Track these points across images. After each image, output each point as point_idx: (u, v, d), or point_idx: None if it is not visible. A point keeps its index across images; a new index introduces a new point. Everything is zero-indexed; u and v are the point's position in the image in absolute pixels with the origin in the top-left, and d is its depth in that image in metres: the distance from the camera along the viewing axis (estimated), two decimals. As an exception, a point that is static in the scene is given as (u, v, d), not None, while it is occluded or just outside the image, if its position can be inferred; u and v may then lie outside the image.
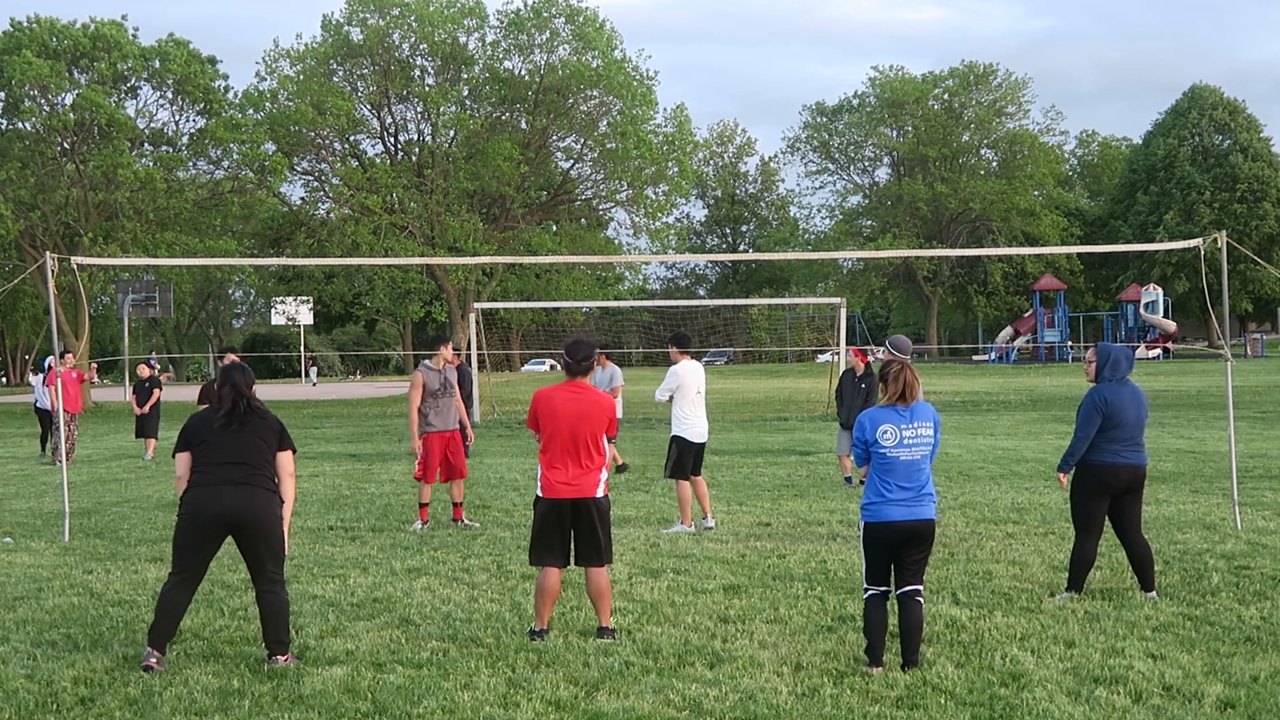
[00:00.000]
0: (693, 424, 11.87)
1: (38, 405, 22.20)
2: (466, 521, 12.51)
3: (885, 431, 6.83)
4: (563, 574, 7.72)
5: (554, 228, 58.18)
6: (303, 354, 69.14)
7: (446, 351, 12.54)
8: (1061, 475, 8.76)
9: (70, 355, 22.03)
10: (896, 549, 6.85)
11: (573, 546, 7.59)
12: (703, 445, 12.01)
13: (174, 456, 7.19)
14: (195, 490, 7.00)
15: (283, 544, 7.13)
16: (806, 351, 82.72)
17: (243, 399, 7.11)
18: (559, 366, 8.06)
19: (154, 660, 6.91)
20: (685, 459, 11.88)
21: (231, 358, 11.29)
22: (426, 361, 12.55)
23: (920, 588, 6.88)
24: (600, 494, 7.58)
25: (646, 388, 46.00)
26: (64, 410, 19.80)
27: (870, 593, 6.88)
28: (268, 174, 48.30)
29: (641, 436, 24.32)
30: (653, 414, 31.15)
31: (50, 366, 20.05)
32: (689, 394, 11.87)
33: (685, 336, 12.24)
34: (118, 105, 44.47)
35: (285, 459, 7.20)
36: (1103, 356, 8.65)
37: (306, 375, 67.51)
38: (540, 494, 7.57)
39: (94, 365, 21.97)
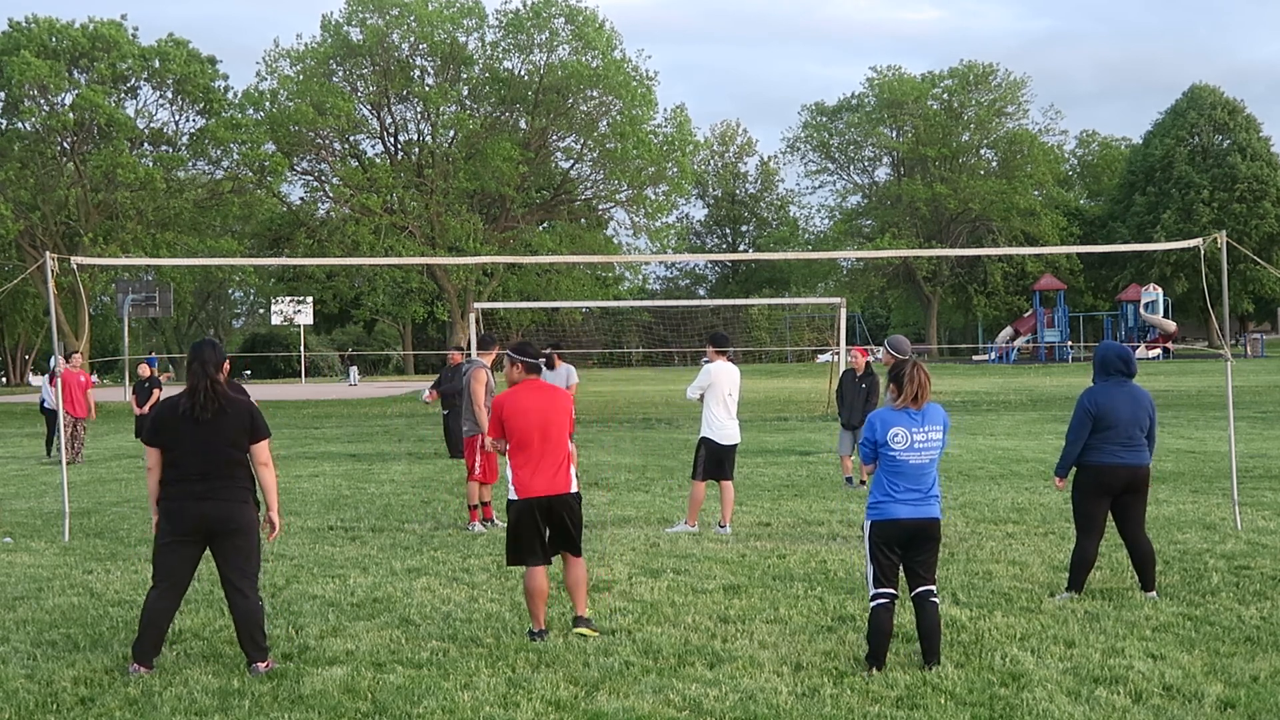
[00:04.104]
0: (721, 425, 11.71)
1: (44, 405, 22.25)
2: (498, 521, 12.48)
3: (896, 434, 6.79)
4: (558, 573, 7.73)
5: (554, 227, 58.22)
6: (302, 354, 69.08)
7: (494, 353, 12.54)
8: (1058, 480, 8.76)
9: (77, 355, 22.04)
10: (904, 548, 6.83)
11: (548, 542, 7.59)
12: (733, 448, 11.86)
13: (144, 444, 7.11)
14: (167, 501, 6.89)
15: (256, 550, 6.97)
16: (806, 351, 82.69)
17: (207, 379, 6.86)
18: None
19: (142, 674, 6.83)
20: (712, 461, 11.73)
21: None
22: (484, 361, 12.51)
23: (934, 588, 6.86)
24: (574, 489, 7.61)
25: (646, 388, 46.03)
26: (69, 413, 19.93)
27: (878, 601, 6.78)
28: (268, 174, 48.35)
29: (641, 436, 24.31)
30: (652, 414, 31.14)
31: (54, 369, 20.05)
32: (720, 395, 11.68)
33: (723, 336, 12.07)
34: (117, 105, 44.50)
35: (260, 449, 6.96)
36: (1095, 357, 8.69)
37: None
38: (515, 496, 7.54)
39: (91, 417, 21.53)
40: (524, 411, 7.57)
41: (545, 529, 7.53)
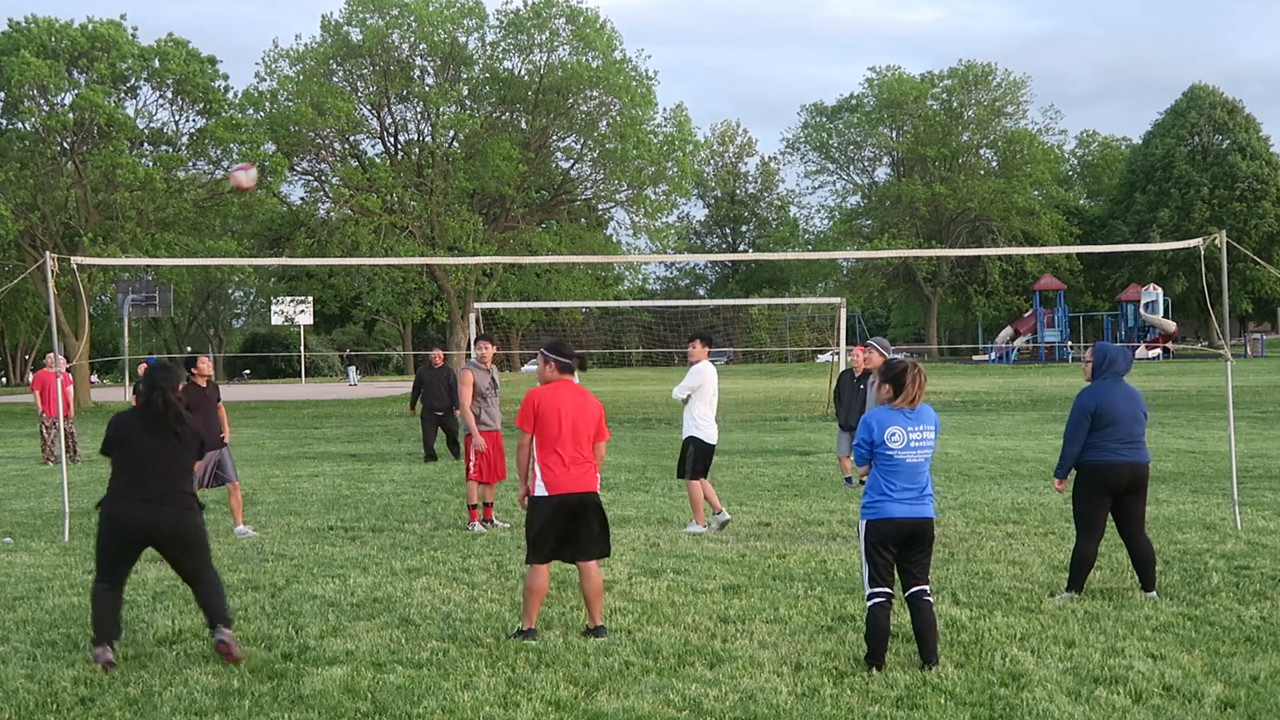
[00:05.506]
0: (709, 424, 11.81)
1: None
2: (498, 521, 12.46)
3: (893, 434, 6.83)
4: (558, 573, 7.74)
5: (554, 227, 58.16)
6: (302, 354, 69.08)
7: (489, 351, 12.48)
8: (1059, 482, 8.77)
9: (51, 355, 22.01)
10: (899, 548, 6.85)
11: (573, 542, 7.59)
12: (714, 447, 11.97)
13: (101, 455, 7.38)
14: (111, 503, 7.15)
15: (205, 547, 7.29)
16: (806, 351, 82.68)
17: (167, 401, 7.15)
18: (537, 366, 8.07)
19: (110, 655, 7.01)
20: (701, 459, 11.80)
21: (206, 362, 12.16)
22: (474, 360, 12.47)
23: (927, 588, 6.89)
24: (599, 488, 7.66)
25: (646, 388, 45.94)
26: (50, 413, 19.92)
27: (875, 600, 6.80)
28: (268, 174, 48.24)
29: (642, 436, 24.31)
30: (652, 414, 31.13)
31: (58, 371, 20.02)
32: (707, 395, 11.80)
33: (710, 336, 12.15)
34: (117, 105, 44.44)
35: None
36: (1099, 355, 8.69)
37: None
38: (545, 492, 7.55)
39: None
40: (557, 409, 7.61)
41: (566, 527, 7.54)
